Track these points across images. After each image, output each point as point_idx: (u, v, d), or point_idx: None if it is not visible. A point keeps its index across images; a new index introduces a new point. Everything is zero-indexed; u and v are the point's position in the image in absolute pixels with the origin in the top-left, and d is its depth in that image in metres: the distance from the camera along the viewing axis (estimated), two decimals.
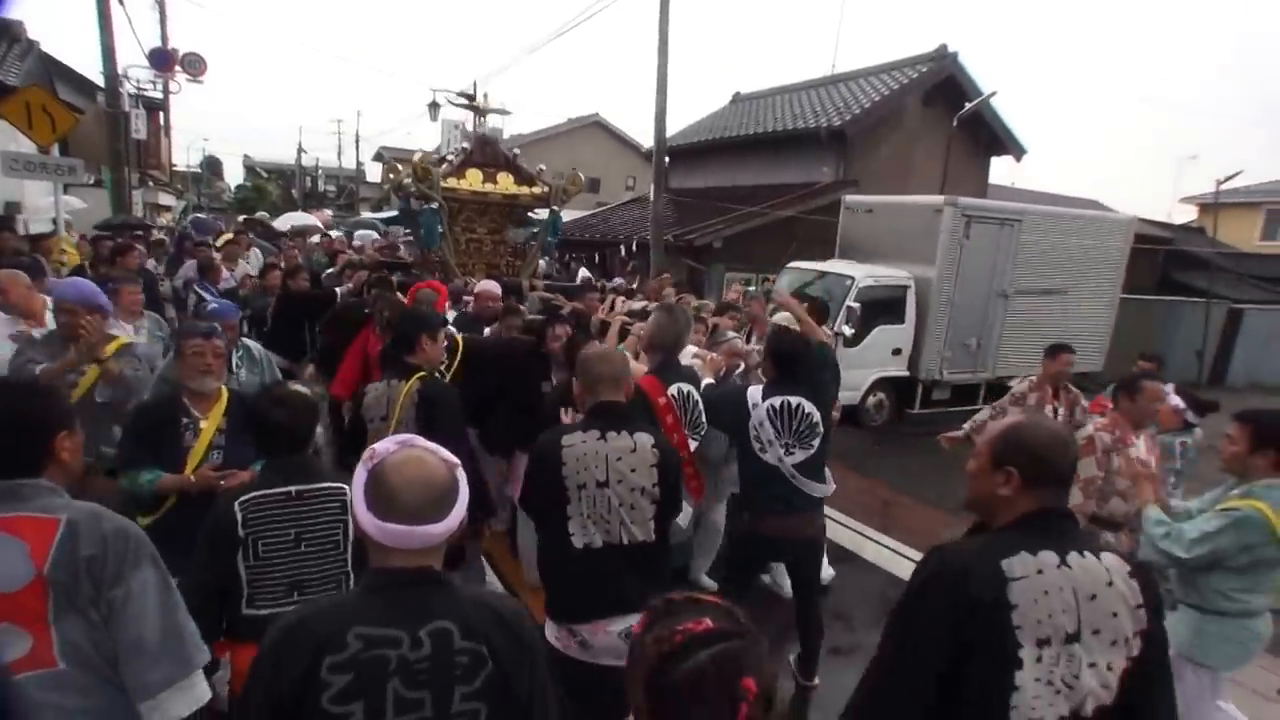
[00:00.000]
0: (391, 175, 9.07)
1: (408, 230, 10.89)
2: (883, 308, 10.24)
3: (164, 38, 21.50)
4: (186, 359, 3.43)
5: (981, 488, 2.05)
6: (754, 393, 4.10)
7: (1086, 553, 1.91)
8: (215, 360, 3.43)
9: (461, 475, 1.78)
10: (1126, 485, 4.28)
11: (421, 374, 3.80)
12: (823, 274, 10.77)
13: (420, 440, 1.82)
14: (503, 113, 10.00)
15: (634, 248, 14.77)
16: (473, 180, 8.51)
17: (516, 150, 9.21)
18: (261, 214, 30.55)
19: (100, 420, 3.90)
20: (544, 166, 9.17)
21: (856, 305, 9.74)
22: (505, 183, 8.68)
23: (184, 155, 42.92)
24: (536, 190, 8.81)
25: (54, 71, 17.76)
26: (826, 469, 4.21)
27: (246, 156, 65.59)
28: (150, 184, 26.75)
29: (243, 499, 2.52)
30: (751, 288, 12.29)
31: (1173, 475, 5.16)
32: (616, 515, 2.92)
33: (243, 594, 2.52)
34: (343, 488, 2.61)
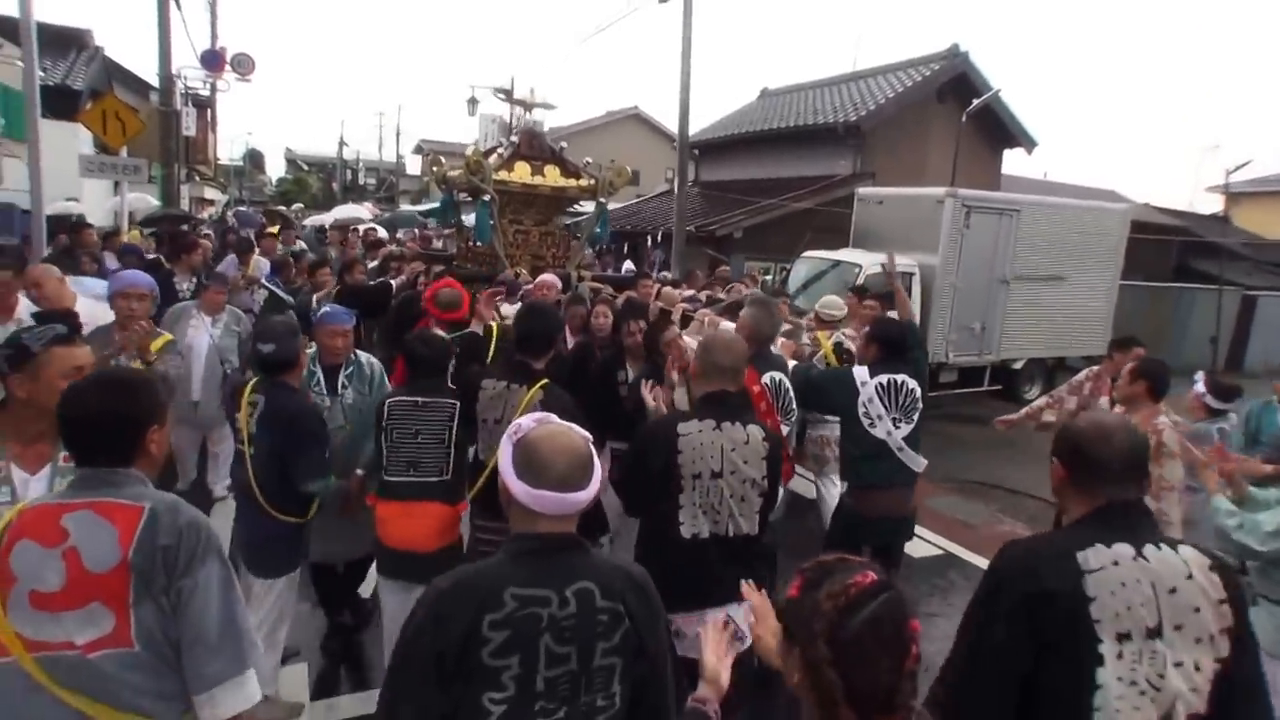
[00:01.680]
0: (435, 168, 9.11)
1: (452, 223, 10.98)
2: (890, 294, 10.87)
3: (213, 37, 22.29)
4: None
5: (1052, 483, 2.10)
6: (860, 372, 4.27)
7: (1163, 545, 1.88)
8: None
9: (593, 449, 1.91)
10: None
11: (544, 382, 3.72)
12: (835, 263, 11.35)
13: (554, 416, 1.99)
14: (547, 107, 10.22)
15: (659, 238, 15.60)
16: (521, 173, 8.54)
17: (563, 144, 9.22)
18: (289, 207, 31.45)
19: None
20: (590, 159, 9.21)
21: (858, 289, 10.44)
22: (553, 175, 8.72)
23: (227, 148, 43.81)
24: (583, 183, 8.86)
25: (113, 74, 18.79)
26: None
27: (288, 150, 66.54)
28: (196, 179, 27.61)
29: (389, 400, 3.68)
30: (768, 276, 13.03)
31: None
32: (726, 506, 2.93)
33: (382, 464, 3.64)
34: (454, 403, 3.70)
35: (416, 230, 19.13)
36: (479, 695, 1.71)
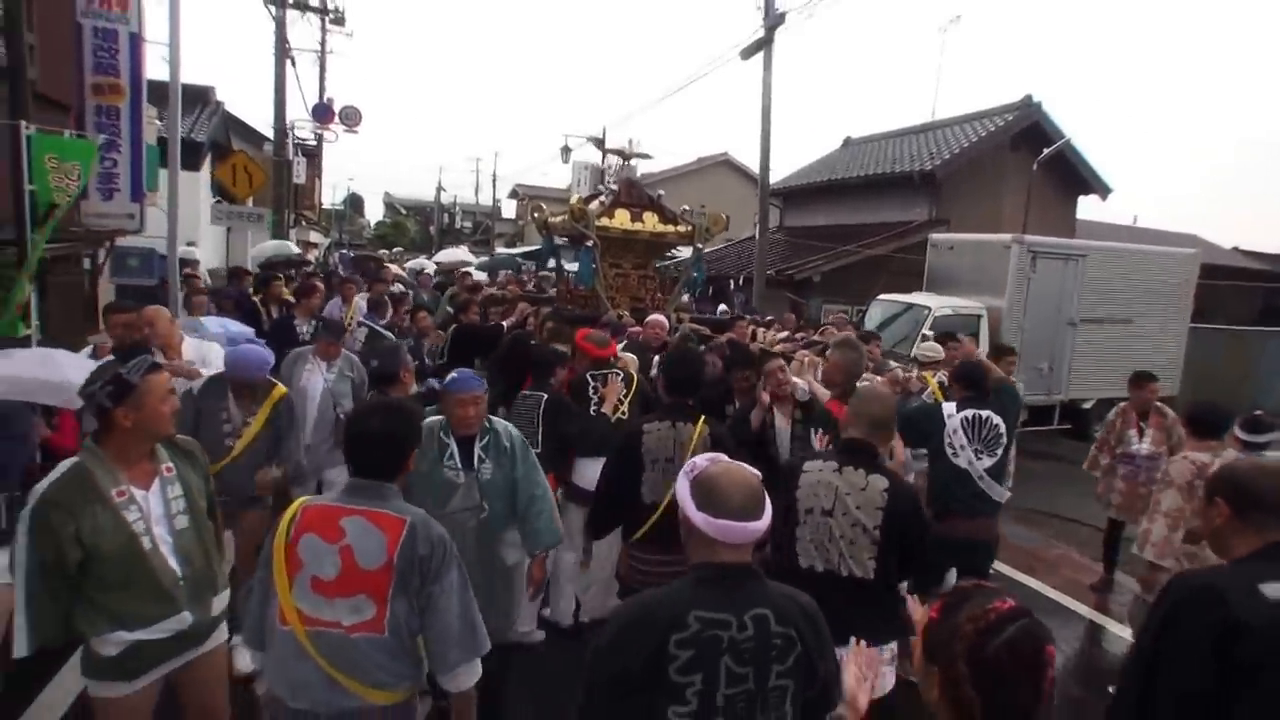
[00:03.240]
0: (536, 214, 9.67)
1: (550, 267, 11.50)
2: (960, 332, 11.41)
3: (321, 90, 24.12)
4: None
5: (1212, 523, 2.20)
6: (949, 407, 4.71)
7: None
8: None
9: (762, 486, 2.03)
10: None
11: (705, 418, 3.94)
12: (908, 306, 11.93)
13: (724, 456, 2.18)
14: (644, 156, 10.58)
15: (740, 281, 16.42)
16: (621, 219, 8.91)
17: (660, 191, 9.66)
18: (390, 250, 32.00)
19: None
20: (687, 206, 9.53)
21: (931, 333, 10.93)
22: (651, 221, 9.07)
23: (329, 193, 45.35)
24: (681, 229, 9.21)
25: (231, 127, 19.98)
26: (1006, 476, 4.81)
27: (387, 194, 67.79)
28: (303, 223, 28.78)
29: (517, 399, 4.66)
30: (846, 317, 13.69)
31: None
32: (836, 545, 3.01)
33: None
34: (542, 395, 4.54)
35: (511, 273, 19.84)
36: (665, 708, 1.83)
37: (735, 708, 1.85)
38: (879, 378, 5.96)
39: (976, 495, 4.54)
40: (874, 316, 12.38)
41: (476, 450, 3.57)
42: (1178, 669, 1.92)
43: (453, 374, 3.59)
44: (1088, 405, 12.45)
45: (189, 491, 2.81)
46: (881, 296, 12.83)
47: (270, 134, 19.77)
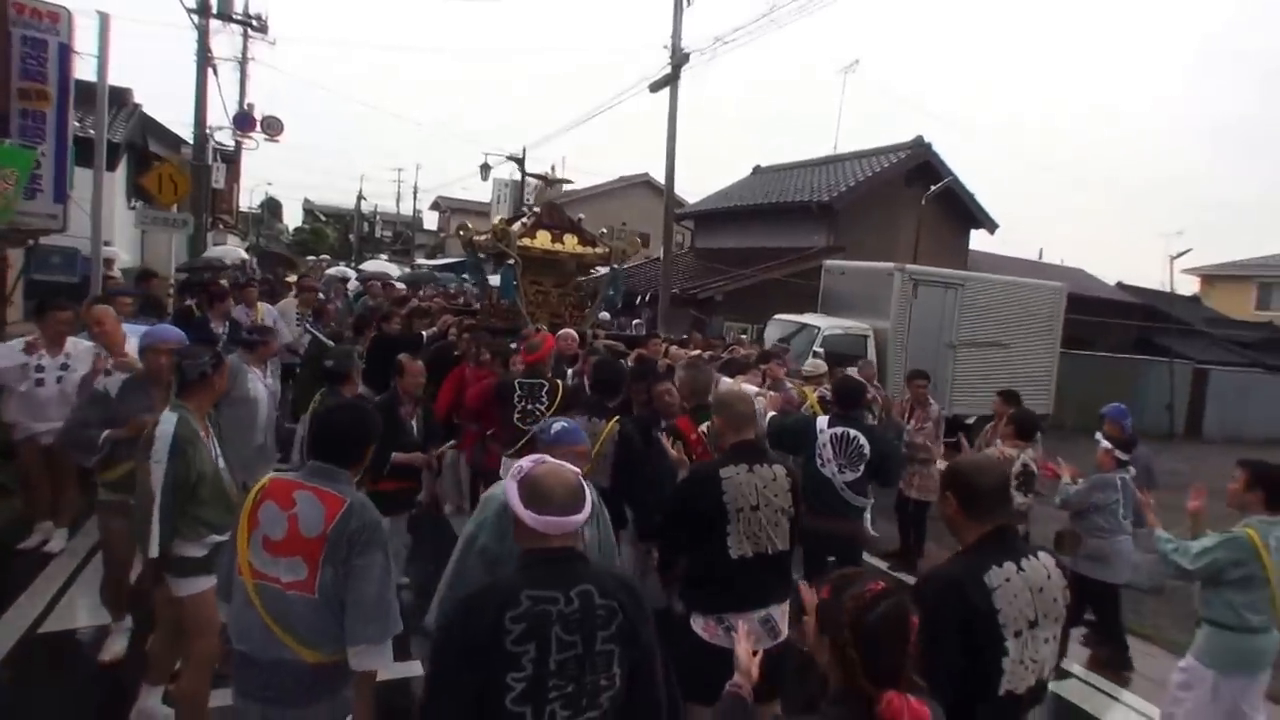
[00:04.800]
0: (462, 232, 9.89)
1: (474, 282, 11.84)
2: (847, 353, 11.66)
3: (242, 97, 23.70)
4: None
5: (943, 513, 2.59)
6: (821, 422, 5.18)
7: (1030, 557, 2.43)
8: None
9: (584, 482, 2.28)
10: None
11: (618, 418, 4.42)
12: (802, 326, 12.62)
13: (549, 457, 2.40)
14: (566, 182, 10.93)
15: (648, 298, 17.08)
16: (542, 240, 9.21)
17: (581, 215, 9.99)
18: (309, 258, 31.68)
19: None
20: (605, 229, 9.91)
21: (821, 350, 11.41)
22: (571, 243, 9.39)
23: (246, 197, 44.16)
24: (599, 250, 9.55)
25: (148, 129, 19.66)
26: (869, 487, 5.29)
27: (306, 200, 66.62)
28: (220, 227, 28.05)
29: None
30: (744, 335, 14.46)
31: (1121, 509, 5.68)
32: (765, 531, 3.34)
33: None
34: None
35: (436, 286, 19.87)
36: (504, 675, 2.01)
37: (566, 670, 2.06)
38: (772, 393, 6.44)
39: (840, 500, 5.03)
40: (771, 335, 13.01)
41: None
42: (941, 649, 2.24)
43: (559, 424, 3.25)
44: (970, 421, 13.26)
45: (214, 446, 3.69)
46: (778, 316, 13.52)
47: (187, 135, 19.70)
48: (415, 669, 4.40)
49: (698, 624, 3.36)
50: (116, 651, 4.46)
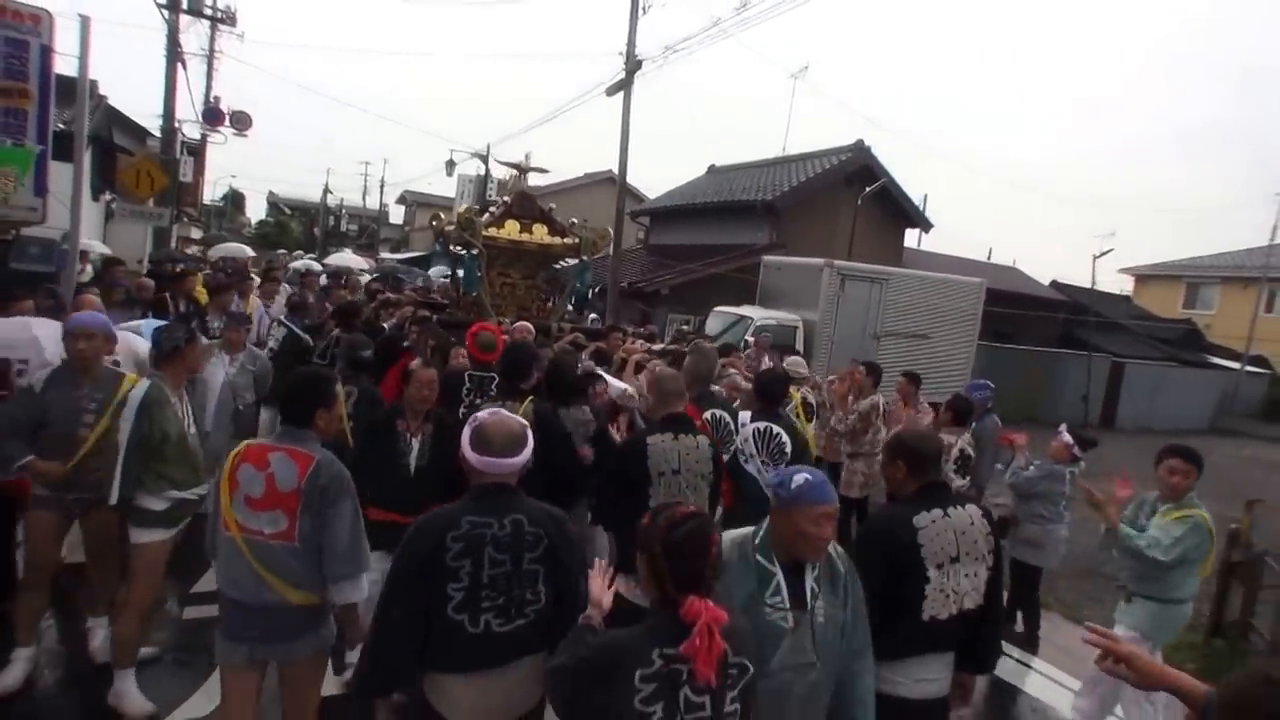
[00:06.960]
0: (434, 222, 9.87)
1: (446, 275, 12.05)
2: (778, 342, 12.26)
3: (208, 91, 24.19)
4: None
5: (890, 476, 3.03)
6: (744, 416, 5.02)
7: (958, 506, 2.85)
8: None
9: (529, 432, 2.62)
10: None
11: (532, 397, 4.51)
12: (739, 317, 13.46)
13: (503, 410, 2.74)
14: (541, 171, 10.50)
15: (599, 290, 17.79)
16: (510, 230, 8.93)
17: (553, 205, 9.67)
18: (275, 251, 31.74)
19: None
20: (575, 220, 9.61)
21: (752, 339, 11.96)
22: (540, 233, 9.13)
23: (210, 189, 43.25)
24: (568, 241, 9.26)
25: (113, 120, 19.46)
26: None
27: (271, 193, 65.31)
28: (185, 219, 27.87)
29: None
30: (686, 325, 15.21)
31: (1064, 500, 5.98)
32: (684, 495, 3.66)
33: None
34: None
35: (420, 281, 19.51)
36: (445, 585, 2.38)
37: (497, 584, 2.44)
38: (720, 384, 6.25)
39: (764, 497, 4.87)
40: (713, 326, 13.85)
41: (808, 582, 2.52)
42: (869, 575, 2.67)
43: (800, 476, 2.50)
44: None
45: (187, 414, 4.08)
46: (717, 309, 14.39)
47: (151, 127, 19.95)
48: None
49: (621, 584, 3.11)
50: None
